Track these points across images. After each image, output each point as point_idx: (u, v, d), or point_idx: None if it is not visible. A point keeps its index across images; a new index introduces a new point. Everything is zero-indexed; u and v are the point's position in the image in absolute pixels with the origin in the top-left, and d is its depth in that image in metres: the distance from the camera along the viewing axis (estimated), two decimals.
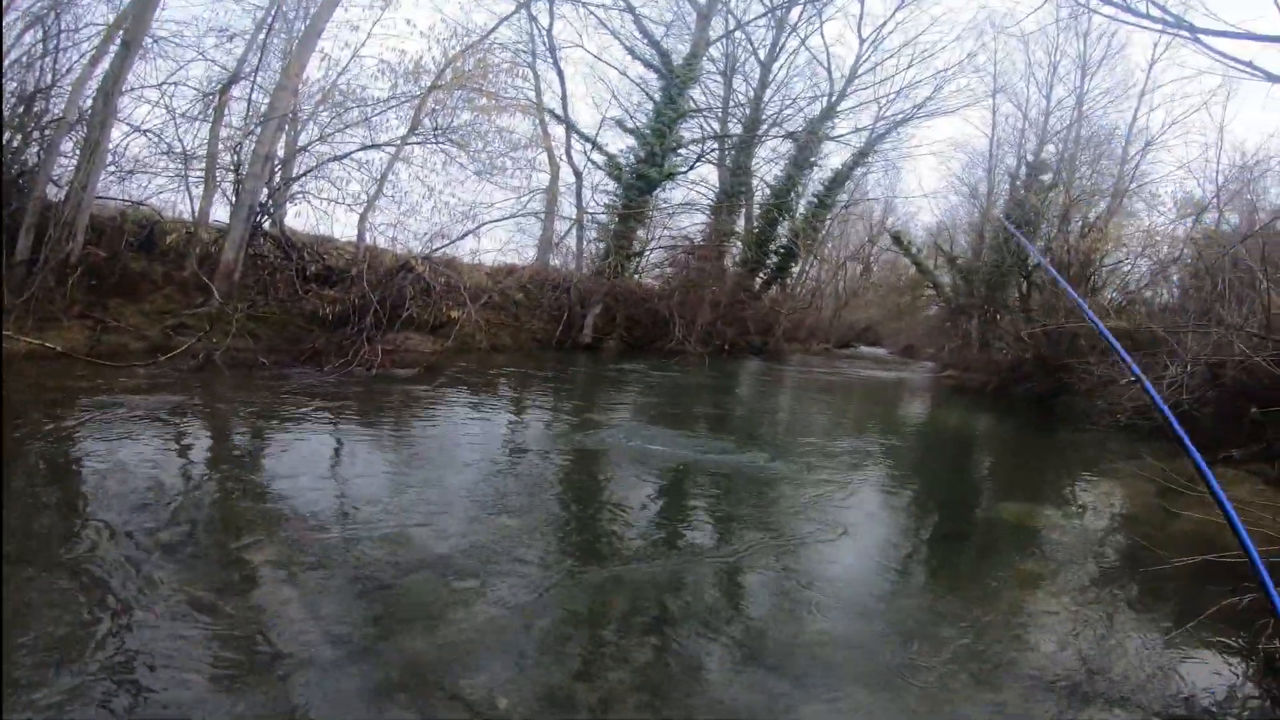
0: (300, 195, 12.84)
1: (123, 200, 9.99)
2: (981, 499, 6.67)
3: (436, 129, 13.66)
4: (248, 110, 12.12)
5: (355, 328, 10.16)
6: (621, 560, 4.23)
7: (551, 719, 2.58)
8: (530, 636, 3.13)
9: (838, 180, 24.65)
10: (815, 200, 24.45)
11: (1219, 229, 14.07)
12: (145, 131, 10.83)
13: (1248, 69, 4.07)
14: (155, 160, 10.86)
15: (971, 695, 3.00)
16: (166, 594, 3.08)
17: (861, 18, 23.36)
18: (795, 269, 27.17)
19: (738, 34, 22.42)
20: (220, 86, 11.66)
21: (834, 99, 23.75)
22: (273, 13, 12.16)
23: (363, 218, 13.02)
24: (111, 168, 9.86)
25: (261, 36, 12.12)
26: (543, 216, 19.37)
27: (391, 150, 13.15)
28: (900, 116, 24.46)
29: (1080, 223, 17.62)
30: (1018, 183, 21.83)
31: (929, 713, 2.86)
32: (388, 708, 2.51)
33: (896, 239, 26.74)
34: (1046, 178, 21.22)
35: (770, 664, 3.10)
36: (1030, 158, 21.99)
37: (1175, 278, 14.71)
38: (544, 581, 3.67)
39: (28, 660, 2.49)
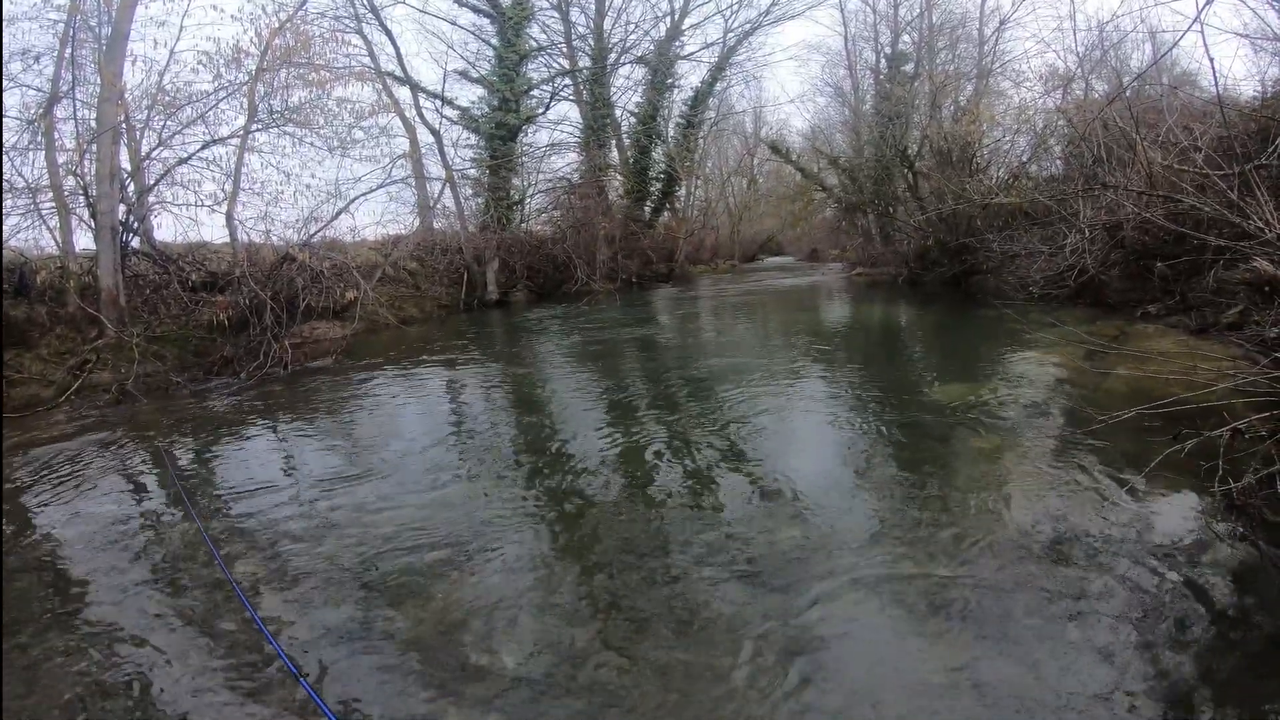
0: (159, 206, 12.34)
1: None
2: (922, 386, 6.75)
3: (274, 112, 13.33)
4: (77, 129, 11.47)
5: (258, 328, 10.08)
6: (591, 498, 4.35)
7: (561, 669, 2.67)
8: (521, 579, 3.33)
9: (700, 98, 25.17)
10: (683, 121, 25.00)
11: (1087, 98, 14.40)
12: None
13: None
14: None
15: (956, 576, 3.13)
16: (165, 624, 3.14)
17: None
18: (680, 192, 27.71)
19: None
20: (41, 111, 10.92)
21: (677, 17, 24.00)
22: (74, 24, 11.36)
23: (229, 216, 12.63)
24: None
25: (69, 51, 11.34)
26: (412, 182, 19.10)
27: (236, 143, 12.72)
28: (748, 26, 24.92)
29: (952, 108, 17.73)
30: (881, 76, 22.28)
31: (924, 602, 2.95)
32: (399, 684, 2.64)
33: (774, 148, 27.02)
34: (908, 68, 21.72)
35: (764, 581, 3.18)
36: (888, 50, 22.62)
37: (1056, 149, 14.94)
38: (522, 534, 3.85)
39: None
